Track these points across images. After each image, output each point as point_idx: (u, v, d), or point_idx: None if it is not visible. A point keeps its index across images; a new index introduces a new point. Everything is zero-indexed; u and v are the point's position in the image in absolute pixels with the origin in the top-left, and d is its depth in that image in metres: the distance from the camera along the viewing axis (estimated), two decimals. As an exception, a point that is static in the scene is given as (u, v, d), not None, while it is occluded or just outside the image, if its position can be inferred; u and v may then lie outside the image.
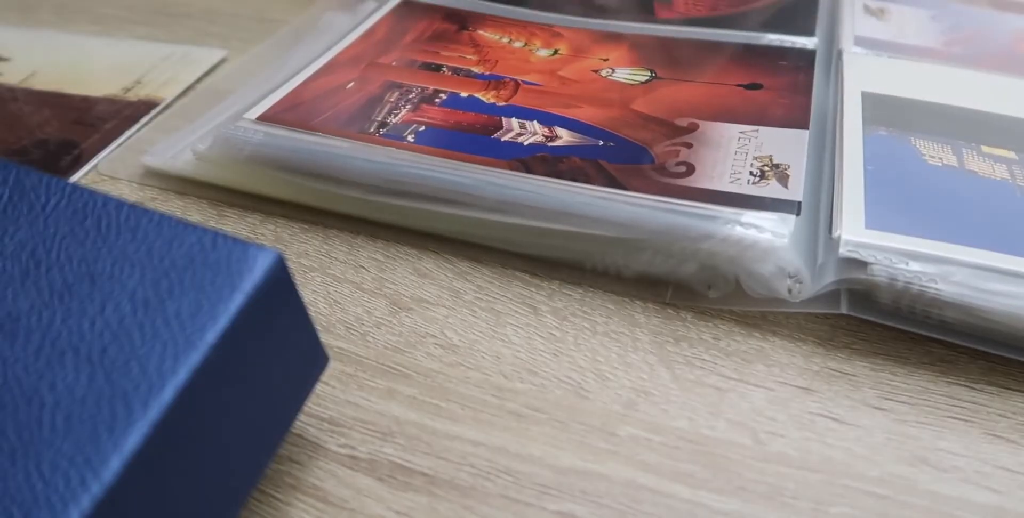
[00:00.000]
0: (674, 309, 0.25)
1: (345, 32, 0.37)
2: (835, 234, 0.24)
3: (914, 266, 0.23)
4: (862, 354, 0.24)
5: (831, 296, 0.24)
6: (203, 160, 0.30)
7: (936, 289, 0.22)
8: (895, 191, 0.26)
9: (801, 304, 0.24)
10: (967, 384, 0.23)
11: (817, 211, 0.26)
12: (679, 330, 0.24)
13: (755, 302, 0.24)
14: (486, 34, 0.37)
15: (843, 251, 0.23)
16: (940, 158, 0.27)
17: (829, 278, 0.23)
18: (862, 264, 0.23)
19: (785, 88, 0.32)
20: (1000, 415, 0.22)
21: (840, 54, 0.34)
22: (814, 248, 0.25)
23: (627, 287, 0.26)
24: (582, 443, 0.21)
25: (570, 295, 0.26)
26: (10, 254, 0.17)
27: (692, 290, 0.25)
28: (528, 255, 0.27)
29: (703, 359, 0.24)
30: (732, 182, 0.26)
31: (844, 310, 0.24)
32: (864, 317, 0.24)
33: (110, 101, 0.36)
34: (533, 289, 0.26)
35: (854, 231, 0.24)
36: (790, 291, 0.24)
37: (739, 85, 0.32)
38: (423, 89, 0.32)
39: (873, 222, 0.24)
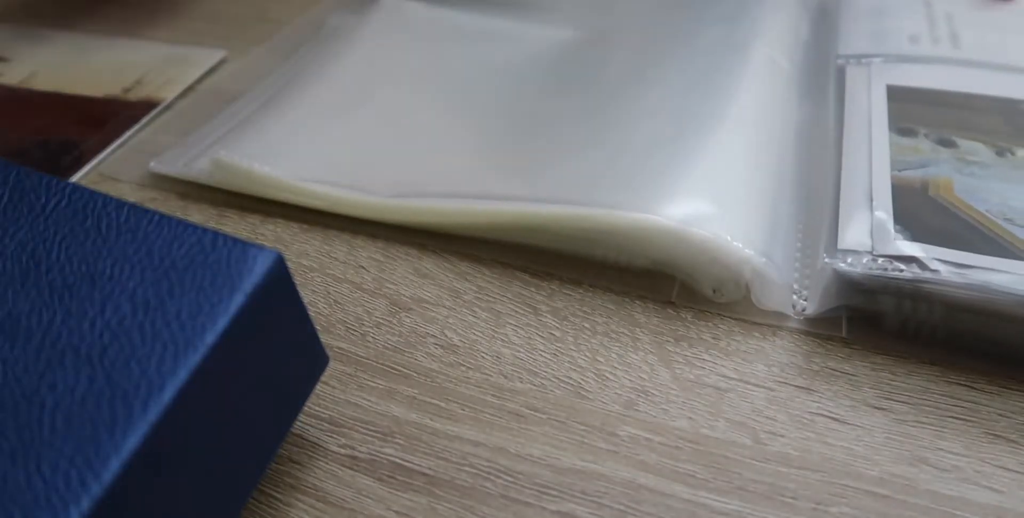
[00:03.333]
0: (674, 309, 0.25)
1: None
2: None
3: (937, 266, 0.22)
4: (862, 354, 0.24)
5: (834, 319, 0.24)
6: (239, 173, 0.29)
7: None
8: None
9: (804, 322, 0.24)
10: (967, 384, 0.23)
11: (817, 235, 0.26)
12: (679, 330, 0.24)
13: (758, 313, 0.25)
14: None
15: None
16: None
17: (833, 302, 0.24)
18: (871, 293, 0.23)
19: None
20: (1000, 415, 0.22)
21: None
22: (815, 270, 0.25)
23: (629, 286, 0.26)
24: (582, 443, 0.21)
25: (570, 295, 0.26)
26: (10, 254, 0.17)
27: (698, 291, 0.25)
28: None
29: (703, 359, 0.24)
30: None
31: (844, 334, 0.24)
32: (865, 340, 0.24)
33: (110, 101, 0.37)
34: (533, 289, 0.26)
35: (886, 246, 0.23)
36: (795, 307, 0.24)
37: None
38: None
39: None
